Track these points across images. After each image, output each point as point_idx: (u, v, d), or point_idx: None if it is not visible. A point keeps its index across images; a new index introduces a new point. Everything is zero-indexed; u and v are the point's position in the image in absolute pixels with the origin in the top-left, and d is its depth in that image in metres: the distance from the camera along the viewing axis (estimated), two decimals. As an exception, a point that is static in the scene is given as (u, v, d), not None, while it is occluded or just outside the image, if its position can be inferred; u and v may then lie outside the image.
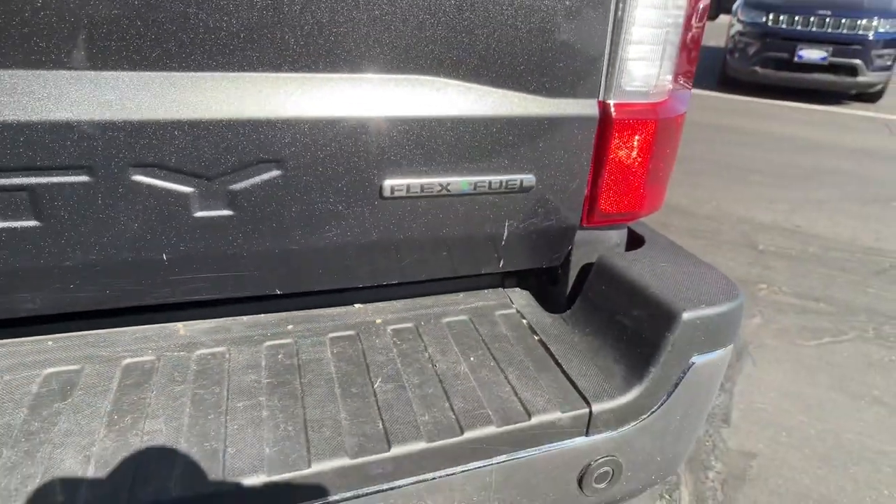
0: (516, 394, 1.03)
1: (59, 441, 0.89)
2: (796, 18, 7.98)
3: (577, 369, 1.09)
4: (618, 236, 1.29)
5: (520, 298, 1.34)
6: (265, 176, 0.96)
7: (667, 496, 2.05)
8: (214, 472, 0.86)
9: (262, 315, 1.22)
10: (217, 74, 0.88)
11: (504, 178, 1.07)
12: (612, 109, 1.10)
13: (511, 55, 1.00)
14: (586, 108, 1.08)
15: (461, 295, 1.33)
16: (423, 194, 1.04)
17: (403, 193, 1.03)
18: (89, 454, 0.87)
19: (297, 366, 1.08)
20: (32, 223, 0.89)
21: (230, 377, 1.04)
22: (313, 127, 0.94)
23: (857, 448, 2.30)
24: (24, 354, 1.06)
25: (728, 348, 1.07)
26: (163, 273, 1.00)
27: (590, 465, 1.05)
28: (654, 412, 1.05)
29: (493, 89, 1.02)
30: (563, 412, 0.99)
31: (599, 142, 1.12)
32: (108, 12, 0.80)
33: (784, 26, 8.07)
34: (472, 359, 1.12)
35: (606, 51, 1.05)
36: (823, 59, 7.83)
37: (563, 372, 1.09)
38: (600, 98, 1.10)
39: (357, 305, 1.28)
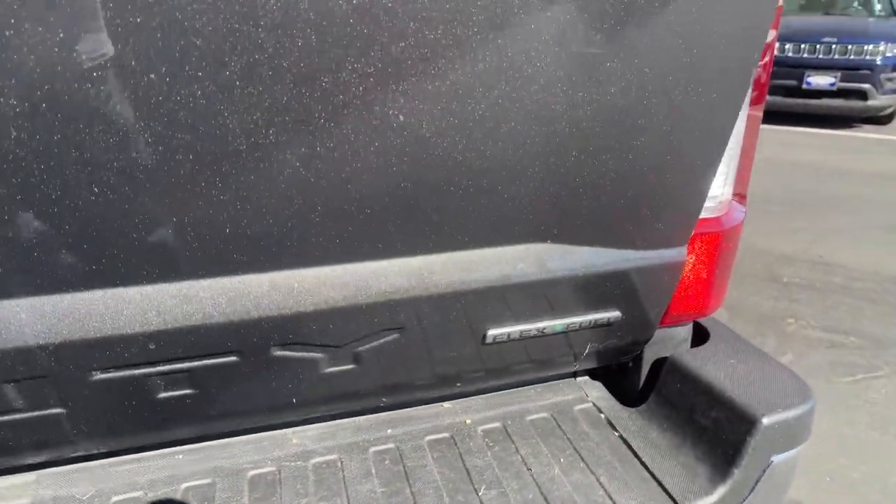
0: (611, 498, 1.13)
1: None
2: (803, 46, 8.14)
3: (661, 467, 1.19)
4: (685, 332, 1.39)
5: (593, 390, 1.44)
6: (387, 339, 1.09)
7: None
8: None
9: (362, 418, 1.33)
10: (353, 266, 1.01)
11: (593, 317, 1.20)
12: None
13: (611, 220, 1.12)
14: (677, 255, 1.20)
15: (538, 389, 1.44)
16: (521, 338, 1.18)
17: (504, 339, 1.17)
18: None
19: (405, 473, 1.18)
20: (190, 391, 1.03)
21: (347, 487, 1.15)
22: (431, 299, 1.07)
23: (905, 493, 2.26)
24: (158, 469, 1.18)
25: (803, 445, 1.17)
26: (290, 411, 1.15)
27: (677, 560, 1.14)
28: (737, 508, 1.14)
29: (594, 248, 1.14)
30: (656, 514, 1.09)
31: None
32: (245, 230, 0.90)
33: (791, 54, 8.24)
34: (562, 460, 1.22)
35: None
36: (832, 84, 7.97)
37: (649, 471, 1.18)
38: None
39: (445, 405, 1.38)
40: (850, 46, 7.89)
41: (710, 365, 1.26)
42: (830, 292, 4.01)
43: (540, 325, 1.18)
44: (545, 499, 1.12)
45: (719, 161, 1.12)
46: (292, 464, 1.20)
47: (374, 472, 1.19)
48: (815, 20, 8.73)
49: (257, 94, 0.77)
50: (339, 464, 1.21)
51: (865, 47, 7.81)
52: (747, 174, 1.29)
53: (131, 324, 0.91)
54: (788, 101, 8.30)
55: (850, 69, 7.90)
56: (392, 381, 1.19)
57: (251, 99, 0.77)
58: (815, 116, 8.52)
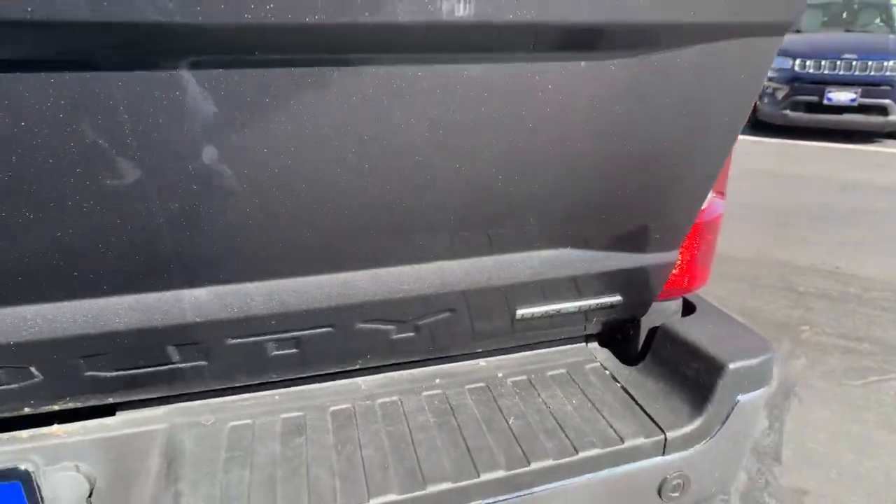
0: (611, 426, 1.45)
1: (310, 463, 1.35)
2: (823, 63, 8.34)
3: (653, 408, 1.51)
4: (675, 305, 1.72)
5: (601, 354, 1.77)
6: (440, 316, 1.45)
7: (724, 531, 2.30)
8: (416, 481, 1.30)
9: (415, 371, 1.67)
10: (421, 266, 1.36)
11: (599, 301, 1.55)
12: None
13: (622, 233, 1.44)
14: (671, 256, 1.53)
15: (555, 351, 1.77)
16: (543, 316, 1.53)
17: (529, 317, 1.52)
18: (333, 471, 1.32)
19: (451, 409, 1.52)
20: (293, 351, 1.40)
21: (407, 417, 1.49)
22: (477, 291, 1.42)
23: (907, 486, 2.42)
24: (262, 405, 1.54)
25: (765, 388, 1.48)
26: (362, 363, 1.52)
27: (666, 478, 1.45)
28: (712, 437, 1.45)
29: (606, 253, 1.47)
30: (646, 438, 1.41)
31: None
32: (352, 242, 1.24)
33: (811, 71, 8.44)
34: (574, 402, 1.55)
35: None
36: (853, 100, 8.14)
37: (643, 410, 1.50)
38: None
39: (481, 363, 1.72)
40: (870, 62, 8.07)
41: (693, 329, 1.58)
42: (845, 301, 4.15)
43: (557, 307, 1.53)
44: (560, 427, 1.45)
45: (715, 180, 1.41)
46: (363, 403, 1.56)
47: (426, 408, 1.53)
48: (836, 37, 8.93)
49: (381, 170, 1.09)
50: (399, 402, 1.55)
51: (885, 63, 7.98)
52: (725, 172, 1.61)
53: (260, 308, 1.28)
54: (809, 116, 8.48)
55: (870, 85, 8.07)
56: (442, 344, 1.55)
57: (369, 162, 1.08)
58: (836, 131, 8.67)
